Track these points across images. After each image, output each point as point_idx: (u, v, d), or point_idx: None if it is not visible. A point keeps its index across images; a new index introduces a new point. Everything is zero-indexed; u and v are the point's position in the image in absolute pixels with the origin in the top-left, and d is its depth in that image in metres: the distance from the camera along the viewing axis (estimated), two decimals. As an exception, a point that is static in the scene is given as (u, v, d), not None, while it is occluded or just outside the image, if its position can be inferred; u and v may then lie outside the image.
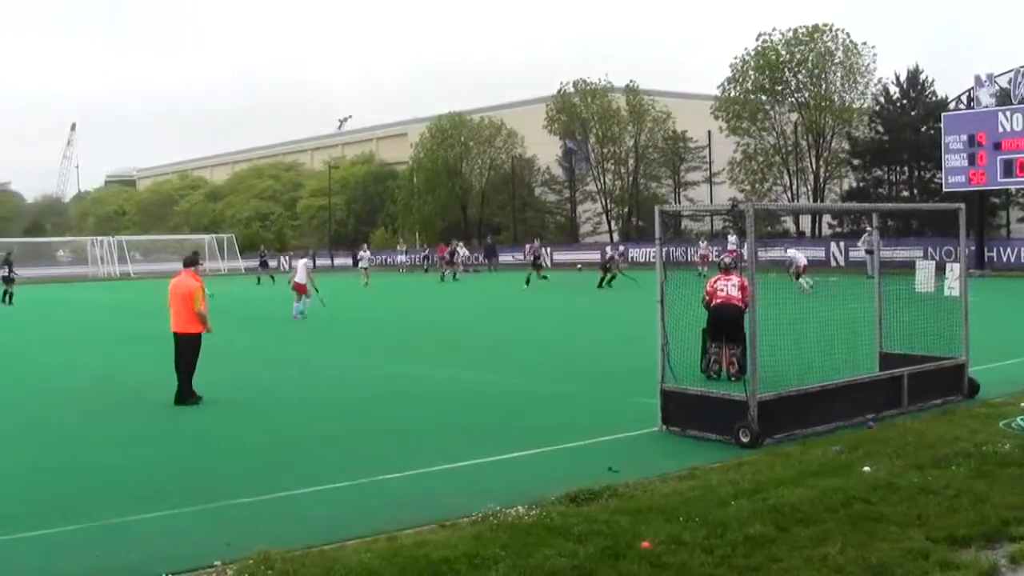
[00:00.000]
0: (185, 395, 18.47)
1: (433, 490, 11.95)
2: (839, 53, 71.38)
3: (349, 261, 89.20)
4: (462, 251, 72.01)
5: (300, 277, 36.53)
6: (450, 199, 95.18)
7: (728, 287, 18.92)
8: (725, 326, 18.57)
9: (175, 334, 18.75)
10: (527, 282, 53.03)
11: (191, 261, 19.84)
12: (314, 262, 49.76)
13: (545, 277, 57.04)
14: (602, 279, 50.84)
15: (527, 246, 72.34)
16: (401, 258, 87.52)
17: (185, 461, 14.08)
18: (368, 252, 66.63)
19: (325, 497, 11.80)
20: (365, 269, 62.75)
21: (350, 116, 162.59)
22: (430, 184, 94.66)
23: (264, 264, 72.51)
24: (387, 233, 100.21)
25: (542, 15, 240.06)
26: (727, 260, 20.27)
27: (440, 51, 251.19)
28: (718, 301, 18.85)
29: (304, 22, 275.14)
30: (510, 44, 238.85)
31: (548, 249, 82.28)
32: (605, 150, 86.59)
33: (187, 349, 18.61)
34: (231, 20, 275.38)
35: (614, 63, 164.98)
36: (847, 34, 71.42)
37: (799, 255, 40.85)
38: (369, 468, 12.96)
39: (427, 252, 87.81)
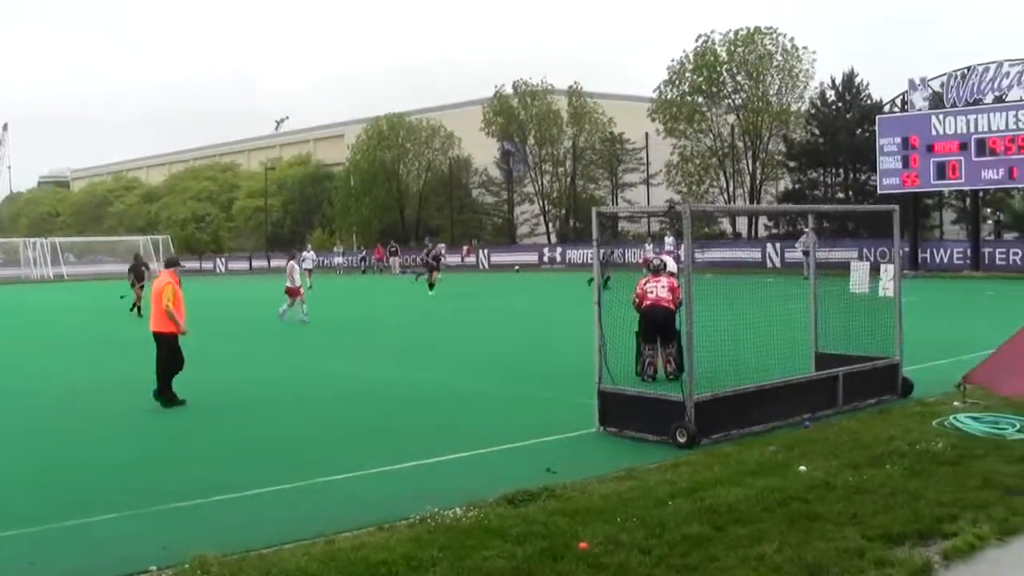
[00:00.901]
0: (161, 394, 18.32)
1: (371, 492, 11.91)
2: (778, 56, 71.92)
3: (285, 262, 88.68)
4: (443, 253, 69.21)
5: (291, 280, 35.15)
6: (388, 201, 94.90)
7: (657, 289, 19.01)
8: (657, 328, 18.73)
9: (152, 333, 18.70)
10: (430, 287, 48.35)
11: (171, 262, 19.97)
12: (250, 263, 49.01)
13: (431, 286, 48.99)
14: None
15: (435, 247, 72.18)
16: (338, 260, 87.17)
17: (123, 464, 13.93)
18: (311, 253, 65.66)
19: (264, 500, 11.73)
20: (308, 271, 60.66)
21: (287, 117, 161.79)
22: (367, 185, 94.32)
23: (146, 267, 69.34)
24: (324, 235, 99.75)
25: (479, 17, 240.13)
26: (656, 262, 20.34)
27: (378, 53, 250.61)
28: (648, 303, 18.93)
29: (240, 22, 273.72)
30: (448, 46, 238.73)
31: (486, 251, 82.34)
32: (543, 152, 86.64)
33: (159, 348, 18.50)
34: (166, 21, 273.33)
35: (551, 66, 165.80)
36: (788, 38, 72.11)
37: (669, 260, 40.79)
38: (308, 471, 12.90)
39: (364, 254, 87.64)
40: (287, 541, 9.83)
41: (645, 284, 19.25)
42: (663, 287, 18.92)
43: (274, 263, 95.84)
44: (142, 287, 38.34)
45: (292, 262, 36.58)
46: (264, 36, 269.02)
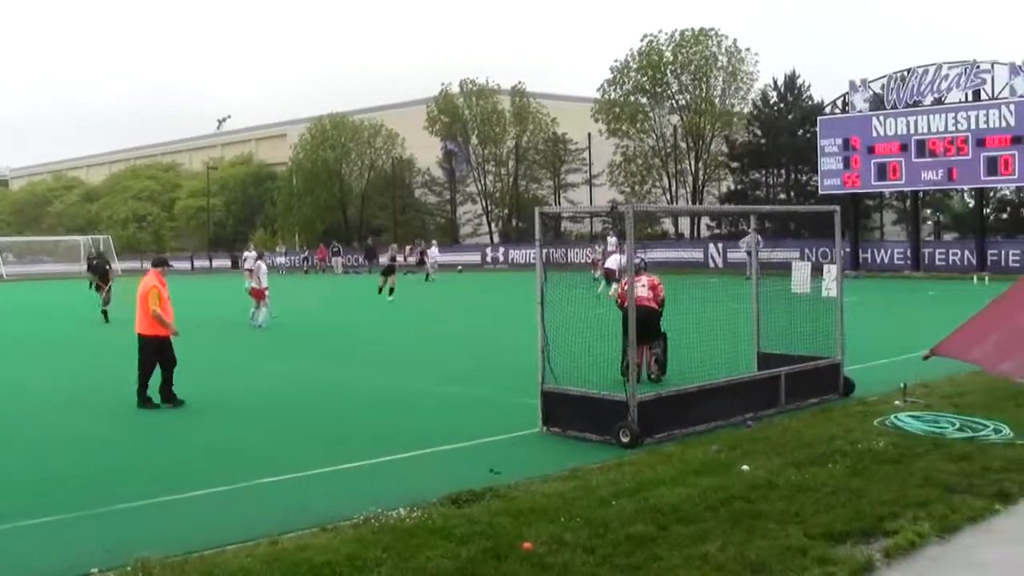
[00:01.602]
0: (139, 396, 18.06)
1: (315, 493, 11.86)
2: (722, 58, 72.33)
3: (228, 262, 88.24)
4: (433, 252, 68.29)
5: (257, 281, 32.68)
6: (330, 200, 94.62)
7: (639, 288, 18.21)
8: (640, 327, 18.28)
9: (137, 335, 18.32)
10: (390, 292, 43.64)
11: (158, 261, 19.46)
12: (192, 264, 47.46)
13: (382, 289, 44.46)
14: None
15: (409, 247, 71.94)
16: (281, 260, 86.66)
17: (65, 467, 13.76)
18: (253, 253, 64.21)
19: (207, 502, 11.64)
20: (250, 271, 59.45)
21: (229, 116, 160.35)
22: (310, 185, 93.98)
23: (109, 266, 67.68)
24: (266, 235, 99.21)
25: (421, 18, 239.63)
26: (637, 261, 19.72)
27: (320, 52, 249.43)
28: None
29: (182, 20, 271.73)
30: (389, 46, 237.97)
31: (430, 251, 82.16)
32: (486, 151, 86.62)
33: (142, 350, 18.15)
34: (107, 18, 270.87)
35: (494, 67, 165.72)
36: (733, 40, 72.56)
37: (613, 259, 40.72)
38: (251, 473, 12.82)
39: (307, 254, 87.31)
40: (230, 543, 9.77)
41: (626, 283, 18.80)
42: (644, 286, 18.45)
43: (216, 263, 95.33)
44: (109, 289, 35.92)
45: (260, 262, 34.67)
46: (206, 36, 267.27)
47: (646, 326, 17.86)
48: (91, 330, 33.81)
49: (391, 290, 43.33)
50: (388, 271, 44.71)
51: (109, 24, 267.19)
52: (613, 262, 35.25)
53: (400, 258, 61.96)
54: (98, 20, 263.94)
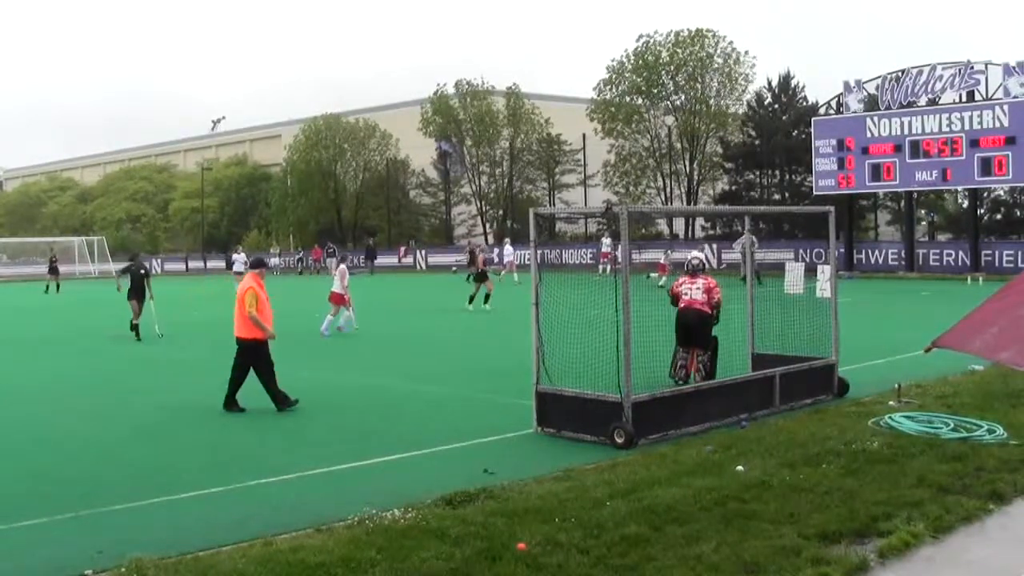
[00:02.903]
0: (228, 402, 17.77)
1: (309, 495, 11.86)
2: (718, 59, 72.37)
3: (222, 264, 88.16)
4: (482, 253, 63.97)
5: (337, 285, 30.48)
6: (324, 201, 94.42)
7: (692, 291, 18.00)
8: (688, 330, 17.85)
9: (236, 338, 17.98)
10: (485, 299, 37.59)
11: (256, 263, 19.11)
12: (187, 265, 45.57)
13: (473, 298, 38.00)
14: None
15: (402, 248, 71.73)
16: (275, 261, 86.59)
17: (59, 468, 13.75)
18: (242, 255, 63.27)
19: (203, 503, 11.64)
20: (239, 274, 55.01)
21: (223, 117, 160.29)
22: (304, 186, 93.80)
23: (54, 271, 64.90)
24: (261, 236, 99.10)
25: (414, 18, 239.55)
26: (695, 263, 18.71)
27: (315, 53, 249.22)
28: (682, 305, 18.04)
29: (176, 21, 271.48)
30: (384, 47, 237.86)
31: (423, 251, 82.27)
32: (480, 152, 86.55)
33: (241, 354, 17.82)
34: (102, 17, 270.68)
35: (489, 68, 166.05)
36: (729, 42, 72.60)
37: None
38: (246, 474, 12.83)
39: (301, 255, 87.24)
40: (224, 544, 9.77)
41: (681, 285, 18.29)
42: (698, 288, 17.93)
43: (211, 264, 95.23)
44: (141, 300, 30.31)
45: (343, 265, 32.29)
46: (201, 37, 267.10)
47: (694, 330, 17.72)
48: (84, 331, 33.76)
49: (487, 297, 37.34)
50: (481, 277, 38.35)
51: (104, 24, 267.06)
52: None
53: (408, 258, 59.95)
54: (93, 20, 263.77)
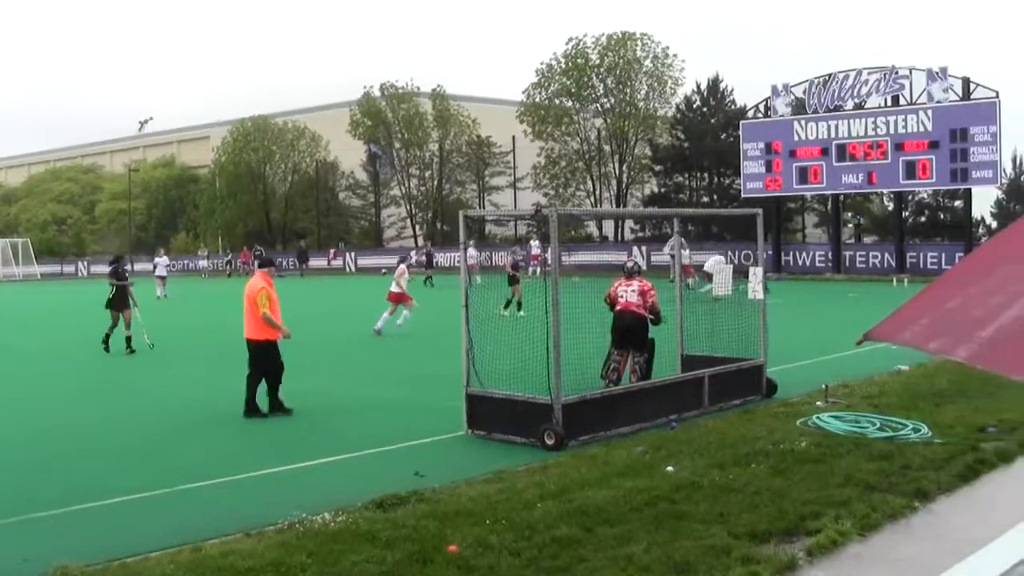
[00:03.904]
0: (248, 405, 17.30)
1: (239, 499, 11.78)
2: (648, 62, 72.69)
3: (151, 267, 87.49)
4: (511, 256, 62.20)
5: (395, 285, 30.34)
6: (253, 203, 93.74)
7: (628, 293, 17.82)
8: (623, 333, 17.75)
9: (246, 341, 17.54)
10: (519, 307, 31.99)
11: (265, 262, 18.84)
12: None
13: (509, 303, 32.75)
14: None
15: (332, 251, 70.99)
16: (203, 263, 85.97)
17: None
18: (165, 258, 61.93)
19: (129, 509, 11.50)
20: (162, 278, 55.96)
21: (151, 118, 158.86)
22: (233, 188, 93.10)
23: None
24: (189, 238, 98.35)
25: (343, 21, 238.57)
26: (630, 265, 18.76)
27: (243, 55, 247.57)
28: (619, 308, 17.89)
29: (101, 21, 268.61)
30: (313, 49, 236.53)
31: (353, 254, 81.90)
32: (410, 154, 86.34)
33: (254, 356, 17.41)
34: (26, 16, 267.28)
35: (419, 69, 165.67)
36: (658, 43, 72.95)
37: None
38: (173, 478, 12.69)
39: (230, 257, 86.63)
40: (153, 550, 9.68)
41: (618, 287, 18.08)
42: (634, 291, 17.75)
43: (138, 267, 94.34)
44: (125, 307, 27.53)
45: (403, 265, 31.78)
46: (127, 37, 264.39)
47: (630, 332, 17.63)
48: (21, 334, 33.35)
49: (519, 303, 32.43)
50: (513, 281, 34.88)
51: (27, 23, 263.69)
52: (710, 265, 34.26)
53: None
54: (17, 18, 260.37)
